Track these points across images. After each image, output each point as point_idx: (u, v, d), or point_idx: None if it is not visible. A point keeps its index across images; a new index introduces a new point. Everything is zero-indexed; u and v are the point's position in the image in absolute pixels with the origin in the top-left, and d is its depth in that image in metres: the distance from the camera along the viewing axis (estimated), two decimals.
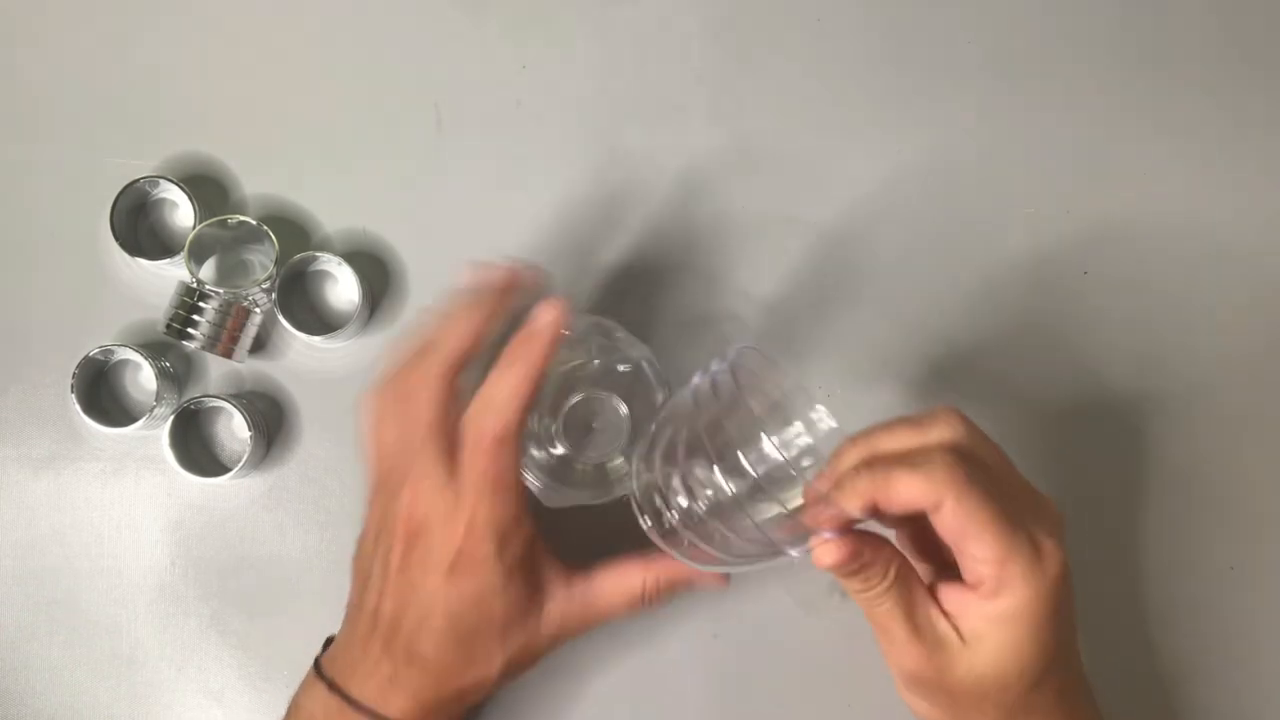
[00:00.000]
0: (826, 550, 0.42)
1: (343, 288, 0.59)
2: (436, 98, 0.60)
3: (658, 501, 0.47)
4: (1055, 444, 0.59)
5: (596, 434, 0.55)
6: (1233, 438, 0.59)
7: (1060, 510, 0.44)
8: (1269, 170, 0.61)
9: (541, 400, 0.54)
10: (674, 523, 0.47)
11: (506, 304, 0.49)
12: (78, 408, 0.55)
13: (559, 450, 0.55)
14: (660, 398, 0.53)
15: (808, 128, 0.60)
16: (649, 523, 0.48)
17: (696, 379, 0.48)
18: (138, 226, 0.59)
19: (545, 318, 0.47)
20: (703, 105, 0.60)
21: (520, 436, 0.47)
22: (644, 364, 0.54)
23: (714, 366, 0.47)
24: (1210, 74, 0.61)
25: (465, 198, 0.59)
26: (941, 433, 0.43)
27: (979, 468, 0.41)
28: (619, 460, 0.54)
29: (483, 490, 0.46)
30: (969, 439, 0.43)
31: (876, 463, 0.42)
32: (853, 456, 0.43)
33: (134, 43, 0.60)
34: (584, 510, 0.55)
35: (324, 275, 0.59)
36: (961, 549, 0.42)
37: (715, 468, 0.44)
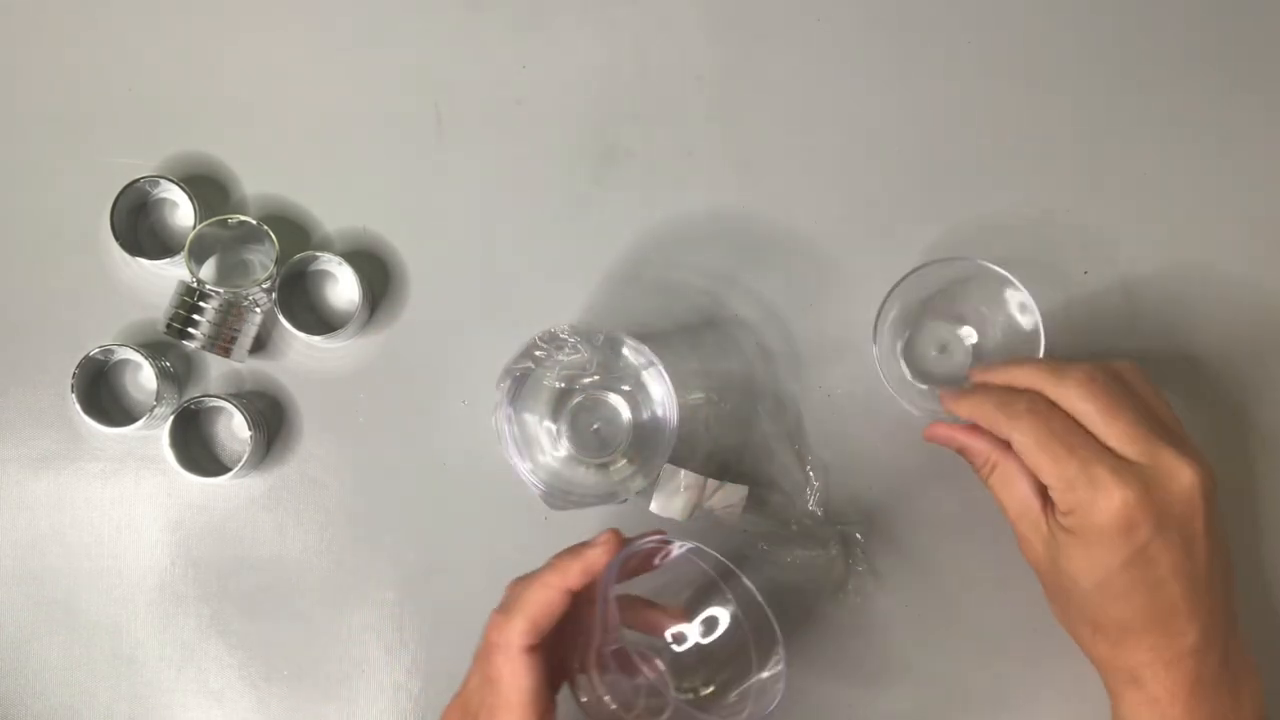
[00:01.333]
0: (935, 431, 0.52)
1: (343, 288, 0.59)
2: (436, 98, 0.60)
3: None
4: None
5: (599, 436, 0.55)
6: (1239, 437, 0.59)
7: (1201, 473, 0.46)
8: (1270, 169, 0.61)
9: (545, 403, 0.54)
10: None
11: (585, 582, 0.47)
12: (78, 408, 0.55)
13: (561, 452, 0.55)
14: (661, 400, 0.53)
15: (807, 127, 0.60)
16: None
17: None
18: (138, 226, 0.59)
19: (601, 539, 0.47)
20: (703, 105, 0.60)
21: (538, 649, 0.45)
22: (647, 368, 0.54)
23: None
24: (1212, 74, 0.61)
25: (465, 197, 0.59)
26: (1062, 388, 0.47)
27: (1056, 419, 0.47)
28: (622, 462, 0.54)
29: (495, 706, 0.45)
30: (1066, 393, 0.47)
31: (991, 390, 0.49)
32: (996, 376, 0.50)
33: (135, 43, 0.60)
34: (587, 514, 0.55)
35: (324, 275, 0.59)
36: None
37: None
